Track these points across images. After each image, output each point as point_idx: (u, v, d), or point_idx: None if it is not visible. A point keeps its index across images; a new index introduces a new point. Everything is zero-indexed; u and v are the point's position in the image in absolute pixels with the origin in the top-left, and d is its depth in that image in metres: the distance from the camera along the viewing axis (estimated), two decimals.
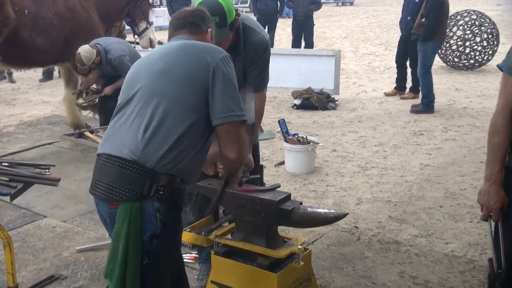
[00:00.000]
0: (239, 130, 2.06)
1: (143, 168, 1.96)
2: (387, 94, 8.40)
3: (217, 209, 2.68)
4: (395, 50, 8.64)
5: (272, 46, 10.71)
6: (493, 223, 2.19)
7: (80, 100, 6.06)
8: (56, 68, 9.12)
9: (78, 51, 5.38)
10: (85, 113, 6.43)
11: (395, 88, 8.43)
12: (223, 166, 2.27)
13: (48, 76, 9.97)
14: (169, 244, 2.07)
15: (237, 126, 2.05)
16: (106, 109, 5.99)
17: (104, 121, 6.00)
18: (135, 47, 6.67)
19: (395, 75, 8.49)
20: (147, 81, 2.06)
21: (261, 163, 3.31)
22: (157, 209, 1.98)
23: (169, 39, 2.25)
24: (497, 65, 2.25)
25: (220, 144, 2.07)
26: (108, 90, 5.73)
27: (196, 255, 3.33)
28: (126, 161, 1.97)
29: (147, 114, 1.99)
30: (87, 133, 5.85)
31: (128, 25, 7.04)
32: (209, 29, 2.27)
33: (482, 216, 2.20)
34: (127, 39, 7.04)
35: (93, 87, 6.23)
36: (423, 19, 7.12)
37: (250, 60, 2.85)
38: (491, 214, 2.15)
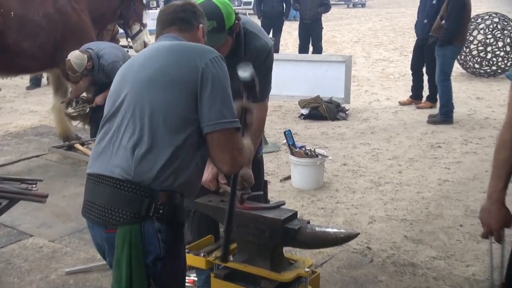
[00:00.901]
0: (232, 139, 2.01)
1: (139, 186, 1.95)
2: (402, 103, 8.40)
3: (218, 227, 2.67)
4: (411, 55, 8.65)
5: (277, 51, 10.77)
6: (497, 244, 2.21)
7: (70, 110, 6.09)
8: (45, 74, 9.17)
9: (68, 58, 5.42)
10: (75, 123, 6.46)
11: (410, 96, 8.44)
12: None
13: (35, 83, 10.02)
14: (175, 264, 2.07)
15: (230, 134, 2.00)
16: (97, 119, 5.96)
17: (95, 132, 6.01)
18: (128, 51, 6.71)
19: (411, 83, 8.50)
20: (132, 89, 2.04)
21: (265, 178, 3.31)
22: (158, 230, 1.97)
23: (156, 38, 2.23)
24: (505, 74, 2.27)
25: (211, 156, 2.04)
26: (99, 99, 5.75)
27: (195, 278, 3.32)
28: (120, 181, 1.96)
29: (137, 127, 1.98)
30: (78, 145, 5.87)
31: (121, 28, 7.09)
32: (201, 25, 2.23)
33: (482, 234, 2.23)
34: (120, 43, 7.10)
35: (84, 96, 6.26)
36: (443, 21, 7.13)
37: None
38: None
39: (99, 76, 5.60)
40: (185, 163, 1.99)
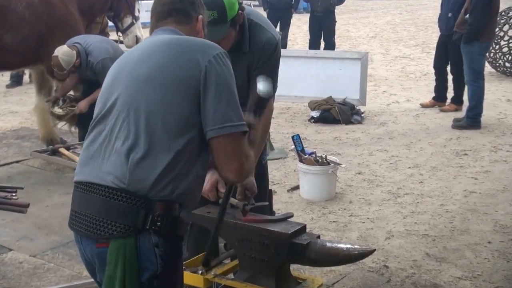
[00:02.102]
0: (239, 145, 2.00)
1: (135, 196, 1.94)
2: (424, 106, 8.40)
3: (217, 241, 2.67)
4: (433, 52, 8.65)
5: (285, 47, 10.79)
6: None
7: (57, 109, 6.09)
8: (27, 71, 9.20)
9: (55, 54, 5.43)
10: (60, 125, 6.48)
11: (433, 98, 8.43)
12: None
13: (16, 81, 10.06)
14: (171, 283, 2.06)
15: (236, 139, 2.00)
16: (86, 120, 5.99)
17: (84, 135, 6.03)
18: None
19: (433, 83, 8.50)
20: (127, 88, 2.03)
21: (270, 187, 3.31)
22: (156, 244, 1.97)
23: (151, 31, 2.22)
24: None
25: (217, 163, 2.03)
26: (83, 105, 5.78)
27: None
28: (112, 189, 1.96)
29: (131, 130, 1.97)
30: (62, 150, 5.89)
31: (111, 21, 7.12)
32: (200, 16, 2.22)
33: None
34: (110, 37, 7.12)
35: (71, 94, 6.27)
36: (467, 16, 7.13)
37: (256, 62, 2.87)
38: None
39: (87, 74, 5.62)
40: (185, 171, 1.99)
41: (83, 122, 5.98)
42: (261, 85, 2.21)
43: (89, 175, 2.03)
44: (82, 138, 6.09)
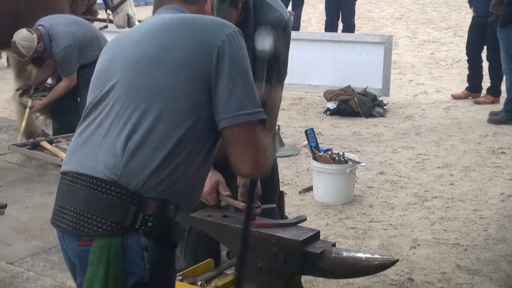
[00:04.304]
0: (255, 134, 2.02)
1: (125, 191, 1.96)
2: (456, 97, 8.39)
3: (219, 249, 2.68)
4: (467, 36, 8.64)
5: (297, 29, 10.79)
6: None
7: (25, 98, 6.13)
8: (4, 55, 9.23)
9: (13, 39, 5.48)
10: (34, 116, 6.50)
11: (466, 88, 8.42)
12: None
13: None
14: None
15: (252, 128, 2.01)
16: (61, 112, 6.05)
17: (59, 128, 6.07)
18: (107, 27, 6.73)
19: (467, 71, 8.48)
20: (126, 72, 2.05)
21: (280, 188, 3.32)
22: (145, 247, 1.98)
23: (154, 11, 2.23)
24: None
25: (230, 154, 2.04)
26: (37, 107, 5.94)
27: None
28: (102, 181, 1.97)
29: (131, 119, 1.98)
30: (44, 144, 5.90)
31: None
32: None
33: None
34: (99, 16, 7.14)
35: (48, 83, 6.31)
36: None
37: None
38: None
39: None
40: (184, 166, 2.00)
41: (58, 113, 6.01)
42: (259, 42, 2.19)
43: (77, 164, 2.04)
44: (56, 131, 6.12)
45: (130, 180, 1.96)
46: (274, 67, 2.25)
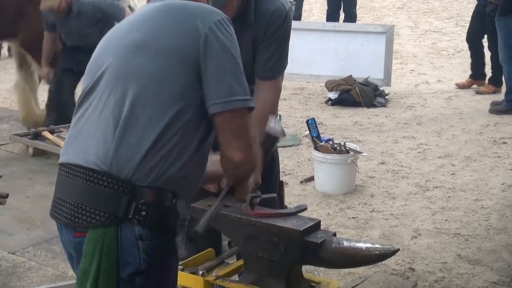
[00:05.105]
0: (246, 120, 2.02)
1: (117, 180, 1.95)
2: (460, 86, 8.35)
3: (220, 239, 2.68)
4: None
5: (299, 19, 10.78)
6: None
7: None
8: (5, 45, 9.21)
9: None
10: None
11: (470, 76, 8.37)
12: (226, 171, 2.18)
13: None
14: (160, 283, 2.06)
15: (242, 114, 2.01)
16: (59, 102, 6.03)
17: (56, 118, 6.05)
18: None
19: (469, 60, 8.46)
20: (115, 58, 2.04)
21: (281, 178, 3.31)
22: (139, 236, 1.97)
23: (148, 1, 2.22)
24: None
25: (220, 141, 2.03)
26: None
27: None
28: (94, 172, 1.97)
29: (118, 104, 1.98)
30: (46, 133, 5.89)
31: None
32: None
33: None
34: None
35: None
36: None
37: (262, 34, 2.87)
38: None
39: (81, 23, 5.61)
40: (176, 152, 1.98)
41: (55, 104, 5.99)
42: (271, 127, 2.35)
43: (73, 155, 2.04)
44: (55, 121, 6.10)
45: (121, 169, 1.95)
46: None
